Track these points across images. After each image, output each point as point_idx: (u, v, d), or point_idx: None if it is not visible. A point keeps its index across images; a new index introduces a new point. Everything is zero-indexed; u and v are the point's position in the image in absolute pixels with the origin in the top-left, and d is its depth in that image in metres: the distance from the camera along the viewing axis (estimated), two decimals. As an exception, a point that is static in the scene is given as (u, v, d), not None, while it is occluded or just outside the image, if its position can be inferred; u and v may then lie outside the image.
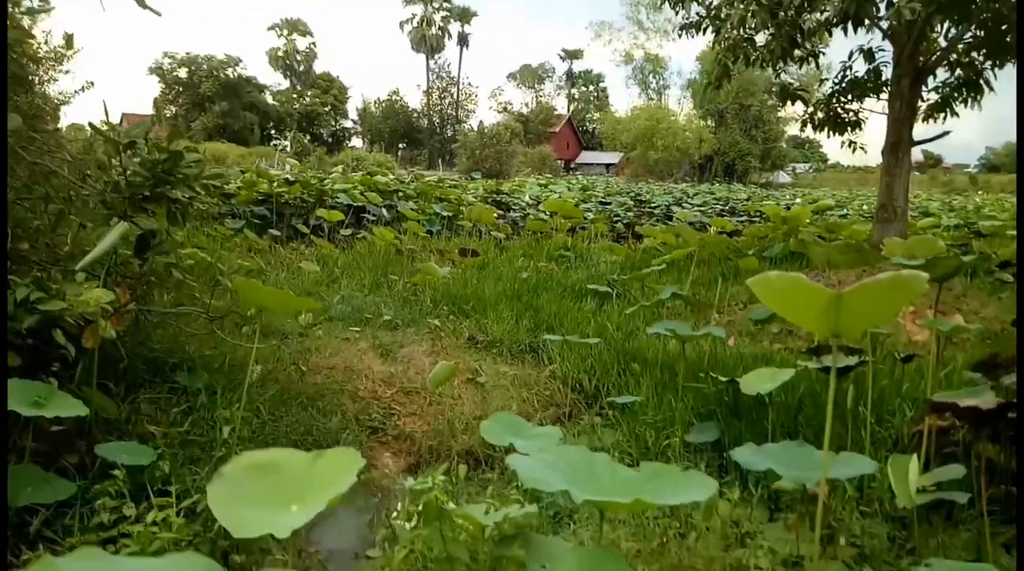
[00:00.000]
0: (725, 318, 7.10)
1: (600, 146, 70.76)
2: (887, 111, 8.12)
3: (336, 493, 1.66)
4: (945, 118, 8.73)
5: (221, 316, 4.04)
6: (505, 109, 76.99)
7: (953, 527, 3.00)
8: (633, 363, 4.99)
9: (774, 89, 9.95)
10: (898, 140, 7.92)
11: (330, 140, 66.54)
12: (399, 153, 68.64)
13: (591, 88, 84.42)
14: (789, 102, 9.71)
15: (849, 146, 9.61)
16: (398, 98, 73.84)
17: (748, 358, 4.91)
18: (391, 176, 15.90)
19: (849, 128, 9.42)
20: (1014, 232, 11.40)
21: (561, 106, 79.53)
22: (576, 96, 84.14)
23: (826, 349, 3.50)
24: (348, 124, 73.47)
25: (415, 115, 74.89)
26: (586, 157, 72.67)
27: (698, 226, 13.48)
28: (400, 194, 13.71)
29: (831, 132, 9.40)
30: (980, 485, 2.74)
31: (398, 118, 72.40)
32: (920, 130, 8.44)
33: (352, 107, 72.48)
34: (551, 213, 13.06)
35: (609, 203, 17.23)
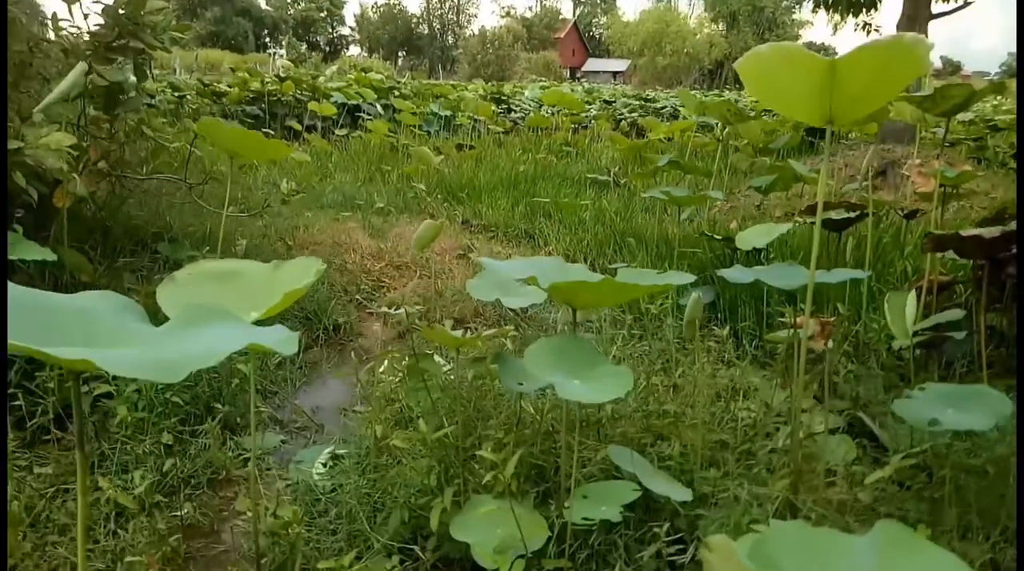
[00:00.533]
0: (728, 205, 6.94)
1: (607, 53, 68.38)
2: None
3: (294, 290, 1.55)
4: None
5: (201, 182, 3.90)
6: (508, 14, 74.12)
7: (952, 378, 2.93)
8: (629, 238, 4.86)
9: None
10: (915, 14, 7.48)
11: (327, 48, 64.61)
12: (399, 61, 66.62)
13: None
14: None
15: (863, 28, 9.14)
16: (397, 3, 71.14)
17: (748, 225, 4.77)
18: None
19: (864, 9, 8.93)
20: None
21: (567, 10, 76.52)
22: (582, 0, 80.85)
23: (828, 207, 3.36)
24: (345, 32, 71.22)
25: (415, 21, 72.31)
26: (593, 64, 70.32)
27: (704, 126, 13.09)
28: (396, 92, 13.30)
29: (845, 13, 8.91)
30: (981, 330, 2.64)
31: (397, 25, 69.93)
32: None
33: (349, 14, 70.03)
34: (552, 109, 12.68)
35: (613, 101, 16.72)
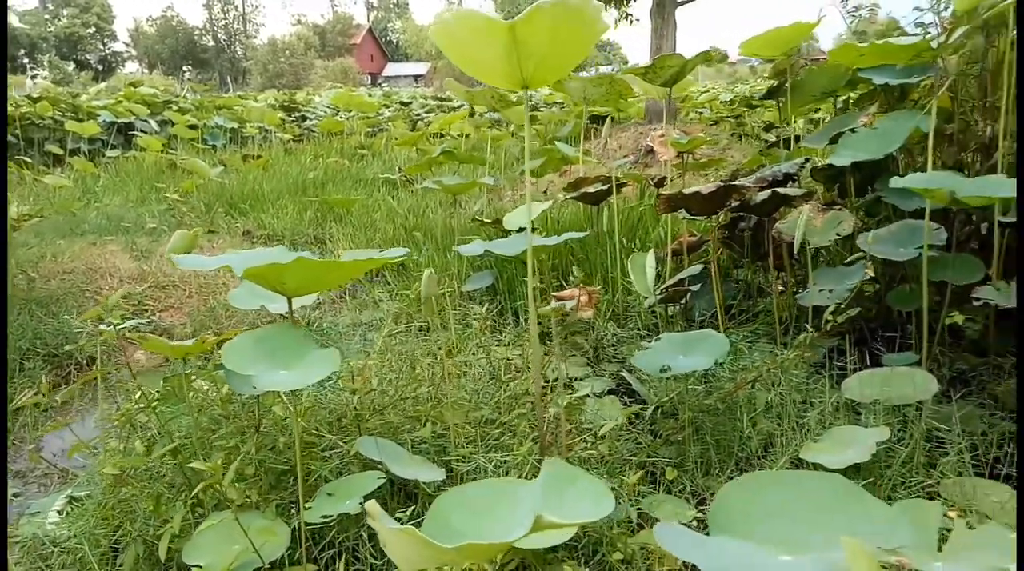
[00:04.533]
0: (518, 193, 7.13)
1: (406, 57, 68.33)
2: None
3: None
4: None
5: None
6: (299, 21, 71.67)
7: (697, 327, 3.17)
8: (416, 233, 4.83)
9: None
10: (663, 1, 8.16)
11: (100, 67, 58.85)
12: (184, 76, 62.18)
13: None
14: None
15: (626, 19, 9.82)
16: (174, 15, 66.29)
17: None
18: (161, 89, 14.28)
19: (624, 0, 9.60)
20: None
21: (360, 15, 75.43)
22: (375, 5, 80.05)
23: (583, 183, 3.51)
24: (119, 47, 65.26)
25: (197, 33, 67.81)
26: (393, 69, 69.87)
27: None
28: (174, 106, 12.36)
29: (608, 3, 9.51)
30: (715, 282, 2.87)
31: (177, 38, 65.19)
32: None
33: (122, 28, 64.26)
34: (346, 112, 12.39)
35: (410, 103, 16.69)
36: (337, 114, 13.81)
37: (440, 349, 2.93)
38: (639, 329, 3.21)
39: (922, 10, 3.07)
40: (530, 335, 1.75)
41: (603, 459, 2.07)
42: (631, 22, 9.73)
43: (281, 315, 3.59)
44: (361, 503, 1.55)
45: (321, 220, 6.10)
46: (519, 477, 1.73)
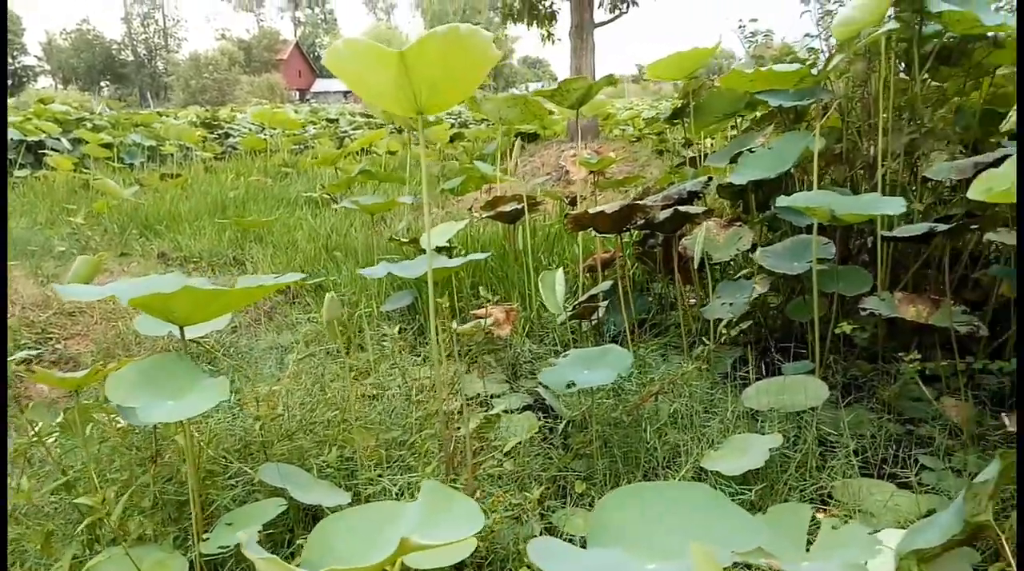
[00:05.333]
0: (443, 210, 7.15)
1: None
2: (570, -3, 8.55)
3: None
4: (628, 7, 9.42)
5: None
6: (223, 36, 70.08)
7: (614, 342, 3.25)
8: (336, 252, 4.79)
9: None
10: (581, 22, 8.38)
11: (10, 82, 56.05)
12: (102, 91, 59.87)
13: (317, 11, 79.73)
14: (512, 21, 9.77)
15: (548, 38, 10.02)
16: (90, 28, 63.85)
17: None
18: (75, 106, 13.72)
19: (547, 20, 9.79)
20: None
21: (287, 31, 74.30)
22: (302, 20, 79.04)
23: (499, 202, 3.57)
24: (31, 61, 62.39)
25: (116, 47, 65.47)
26: (322, 85, 68.97)
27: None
28: (87, 124, 11.91)
29: (529, 23, 9.69)
30: (620, 298, 2.95)
31: (94, 51, 62.76)
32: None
33: (32, 41, 61.48)
34: (271, 130, 12.18)
35: (337, 120, 16.54)
36: (262, 131, 13.57)
37: (352, 371, 2.92)
38: (556, 345, 3.27)
39: (812, 36, 3.25)
40: (433, 355, 1.77)
41: (512, 475, 2.10)
42: (552, 42, 9.95)
43: (192, 340, 3.52)
44: (260, 532, 1.54)
45: (241, 241, 5.98)
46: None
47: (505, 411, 2.83)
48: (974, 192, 1.98)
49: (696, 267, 2.55)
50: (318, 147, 11.92)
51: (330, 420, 2.23)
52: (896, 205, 2.09)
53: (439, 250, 3.34)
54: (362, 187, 6.43)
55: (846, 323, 2.52)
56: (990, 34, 2.77)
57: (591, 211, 2.54)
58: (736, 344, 3.15)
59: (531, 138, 10.67)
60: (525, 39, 55.01)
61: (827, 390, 2.37)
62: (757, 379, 2.59)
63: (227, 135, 14.00)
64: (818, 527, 1.60)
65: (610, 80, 3.20)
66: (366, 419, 2.24)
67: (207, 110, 18.78)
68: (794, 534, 1.26)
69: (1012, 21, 2.44)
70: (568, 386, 2.07)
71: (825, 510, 2.00)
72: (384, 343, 2.99)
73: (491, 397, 2.97)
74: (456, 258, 2.38)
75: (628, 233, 3.88)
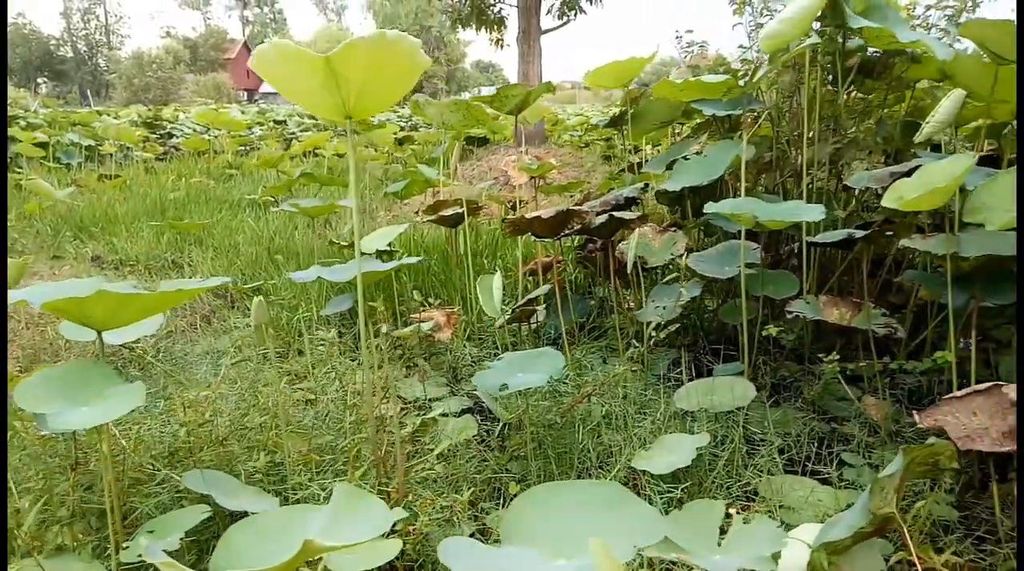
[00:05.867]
0: (391, 213, 7.12)
1: (284, 74, 66.32)
2: (517, 2, 8.61)
3: None
4: (576, 14, 9.54)
5: None
6: (168, 34, 68.31)
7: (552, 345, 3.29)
8: (278, 256, 4.73)
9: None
10: (528, 28, 8.46)
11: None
12: (39, 89, 57.70)
13: (266, 10, 78.38)
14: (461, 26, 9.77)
15: (497, 44, 10.07)
16: (26, 22, 61.52)
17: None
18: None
19: (495, 25, 9.84)
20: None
21: (235, 30, 72.83)
22: (251, 19, 77.59)
23: (441, 206, 3.58)
24: (-40, 55, 59.72)
25: (54, 43, 63.23)
26: (270, 86, 67.68)
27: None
28: (20, 122, 11.49)
29: (478, 27, 9.73)
30: (558, 301, 3.00)
31: (30, 47, 60.49)
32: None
33: (-38, 34, 58.74)
34: (216, 130, 11.94)
35: (285, 121, 16.30)
36: (206, 132, 13.27)
37: (289, 376, 2.90)
38: (496, 348, 3.29)
39: (745, 48, 3.35)
40: (363, 360, 1.77)
41: (447, 478, 2.11)
42: (501, 47, 10.01)
43: (124, 346, 3.43)
44: (182, 539, 1.52)
45: (180, 244, 5.85)
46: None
47: (444, 414, 2.84)
48: (887, 200, 2.08)
49: (630, 271, 2.60)
50: (264, 149, 11.73)
51: (262, 425, 2.21)
52: (815, 212, 2.18)
53: (380, 254, 3.33)
54: (305, 190, 6.36)
55: (772, 326, 2.61)
56: (908, 50, 2.90)
57: (528, 216, 2.58)
58: (672, 346, 3.23)
59: (480, 142, 10.71)
60: (478, 43, 55.07)
61: (754, 390, 2.45)
62: (690, 380, 2.66)
63: (170, 135, 13.66)
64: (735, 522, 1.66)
65: (548, 87, 3.25)
66: (299, 424, 2.22)
67: (150, 109, 18.28)
68: (707, 529, 1.31)
69: (926, 39, 2.56)
70: (501, 389, 2.09)
71: (748, 507, 2.07)
72: (322, 347, 2.97)
73: (431, 401, 2.97)
74: (391, 262, 2.37)
75: (570, 238, 3.94)
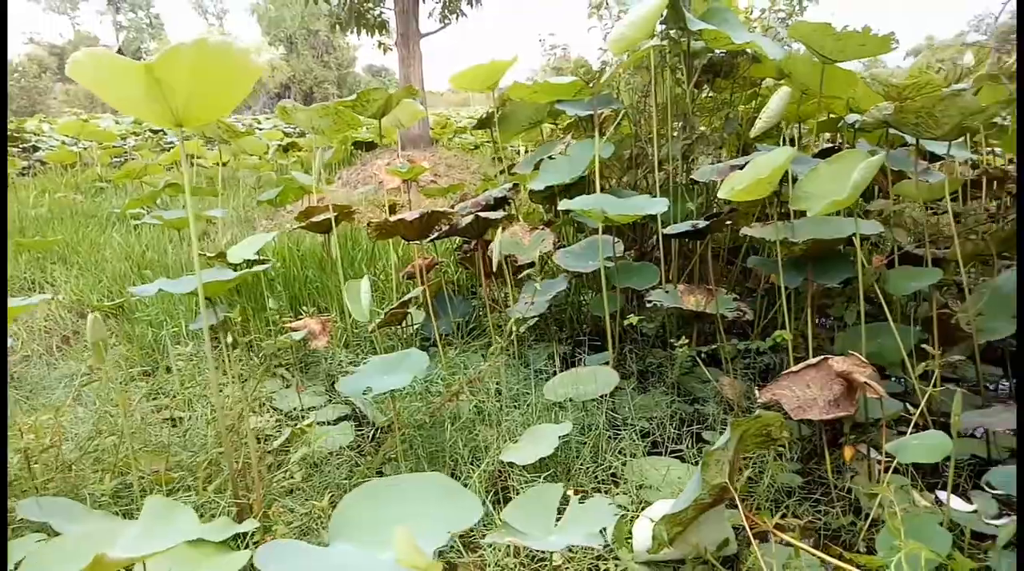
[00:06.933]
0: (272, 222, 6.94)
1: (164, 80, 63.13)
2: (394, 6, 8.57)
3: None
4: (457, 17, 9.58)
5: None
6: (32, 40, 63.62)
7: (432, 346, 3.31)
8: (147, 270, 4.53)
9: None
10: (407, 32, 8.45)
11: None
12: None
13: (141, 14, 74.30)
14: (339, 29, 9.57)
15: (379, 47, 9.99)
16: None
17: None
18: None
19: (376, 29, 9.75)
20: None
21: (107, 36, 68.68)
22: (124, 24, 73.33)
23: (313, 212, 3.54)
24: None
25: (-103, 50, 57.56)
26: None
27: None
28: None
29: (358, 31, 9.61)
30: (428, 302, 3.02)
31: None
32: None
33: None
34: (87, 142, 11.24)
35: (163, 131, 15.53)
36: (76, 144, 12.46)
37: (154, 394, 2.79)
38: (376, 354, 3.28)
39: (603, 50, 3.49)
40: (210, 374, 1.73)
41: (316, 486, 2.10)
42: (385, 51, 9.93)
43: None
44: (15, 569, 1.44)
45: (41, 263, 5.49)
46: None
47: (321, 423, 2.81)
48: (722, 191, 2.22)
49: (495, 269, 2.66)
50: (139, 159, 11.14)
51: (116, 446, 2.12)
52: (660, 205, 2.30)
53: (250, 263, 3.25)
54: (175, 201, 6.10)
55: (633, 316, 2.73)
56: (749, 50, 3.10)
57: (392, 219, 2.58)
58: (549, 340, 3.32)
59: (369, 146, 10.58)
60: (369, 47, 54.21)
61: (617, 378, 2.55)
62: (565, 371, 2.75)
63: (35, 148, 12.75)
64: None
65: (410, 91, 3.26)
66: (157, 443, 2.15)
67: (12, 121, 16.99)
68: (545, 511, 1.36)
69: (759, 40, 2.75)
70: (365, 392, 2.09)
71: (610, 489, 2.16)
72: (183, 362, 2.88)
73: (307, 410, 2.93)
74: (224, 271, 2.33)
75: (451, 239, 3.97)
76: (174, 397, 2.93)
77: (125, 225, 6.68)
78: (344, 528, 1.08)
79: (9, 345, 2.24)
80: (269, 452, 2.29)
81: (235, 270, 2.71)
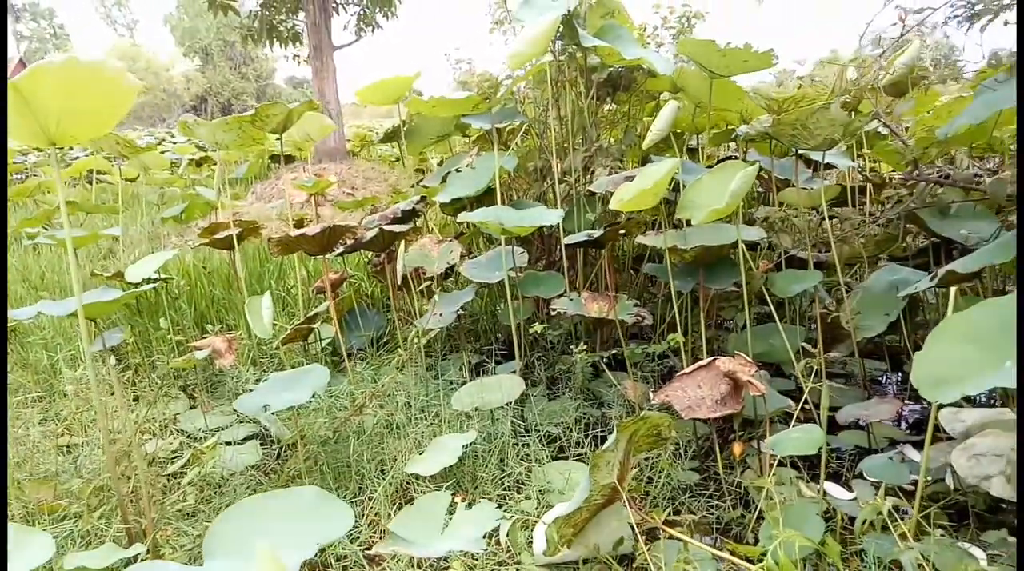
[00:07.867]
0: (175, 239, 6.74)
1: (71, 92, 60.29)
2: (306, 19, 8.49)
3: None
4: (374, 30, 9.56)
5: None
6: (-78, 50, 59.55)
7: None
8: (44, 293, 4.34)
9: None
10: (319, 44, 8.38)
11: None
12: None
13: (44, 24, 70.86)
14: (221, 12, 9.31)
15: (294, 59, 9.87)
16: None
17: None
18: None
19: (289, 41, 9.62)
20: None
21: (9, 47, 65.13)
22: (26, 34, 69.77)
23: (218, 228, 3.47)
24: None
25: None
26: None
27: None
28: None
29: (271, 43, 9.46)
30: (334, 318, 3.01)
31: None
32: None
33: None
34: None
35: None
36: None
37: (50, 420, 2.68)
38: (283, 370, 3.24)
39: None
40: (94, 398, 1.69)
41: (214, 508, 2.06)
42: (299, 63, 9.80)
43: None
44: None
45: (-72, 287, 5.17)
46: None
47: (228, 443, 2.75)
48: (613, 202, 2.30)
49: (400, 282, 2.67)
50: (42, 176, 10.62)
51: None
52: (554, 216, 2.37)
53: (150, 281, 3.16)
54: (75, 219, 5.85)
55: (538, 324, 2.79)
56: (644, 66, 3.23)
57: (293, 233, 2.57)
58: (460, 351, 3.35)
59: (288, 159, 10.40)
60: (290, 59, 53.03)
61: (522, 385, 2.60)
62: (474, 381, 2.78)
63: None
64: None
65: (311, 105, 3.25)
66: (45, 470, 2.07)
67: None
68: (432, 520, 1.39)
69: (649, 55, 2.86)
70: (265, 409, 2.07)
71: (514, 495, 2.20)
72: (82, 386, 2.78)
73: (214, 431, 2.87)
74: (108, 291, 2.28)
75: (361, 253, 3.95)
76: (67, 423, 2.83)
77: (22, 246, 6.37)
78: (218, 547, 1.08)
79: None
80: (166, 475, 2.24)
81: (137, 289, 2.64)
